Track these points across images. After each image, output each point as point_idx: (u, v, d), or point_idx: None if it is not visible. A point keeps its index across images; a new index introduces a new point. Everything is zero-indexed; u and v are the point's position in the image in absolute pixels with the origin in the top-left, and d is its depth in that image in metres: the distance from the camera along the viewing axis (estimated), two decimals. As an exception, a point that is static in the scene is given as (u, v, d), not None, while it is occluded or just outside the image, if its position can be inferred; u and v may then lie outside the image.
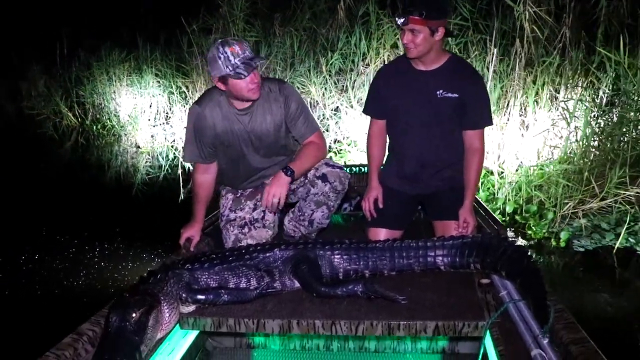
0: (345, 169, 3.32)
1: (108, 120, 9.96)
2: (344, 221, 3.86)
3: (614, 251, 4.70)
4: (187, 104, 8.98)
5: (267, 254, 2.52)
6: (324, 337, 2.85)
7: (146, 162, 8.46)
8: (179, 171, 7.74)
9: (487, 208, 3.52)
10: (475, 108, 3.00)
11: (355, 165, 4.40)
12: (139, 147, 9.13)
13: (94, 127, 10.16)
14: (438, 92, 2.99)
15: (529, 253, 2.30)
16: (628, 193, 5.03)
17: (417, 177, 3.21)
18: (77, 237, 5.32)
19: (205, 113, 3.02)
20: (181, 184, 7.21)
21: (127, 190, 7.12)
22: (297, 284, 2.48)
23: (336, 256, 2.56)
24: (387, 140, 3.39)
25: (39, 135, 10.28)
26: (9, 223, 5.89)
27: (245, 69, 2.74)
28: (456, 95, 2.97)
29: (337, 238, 2.66)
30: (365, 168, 3.71)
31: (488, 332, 2.07)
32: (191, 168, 7.62)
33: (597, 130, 5.57)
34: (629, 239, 4.86)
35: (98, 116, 10.24)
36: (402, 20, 2.80)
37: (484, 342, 2.08)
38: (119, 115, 9.86)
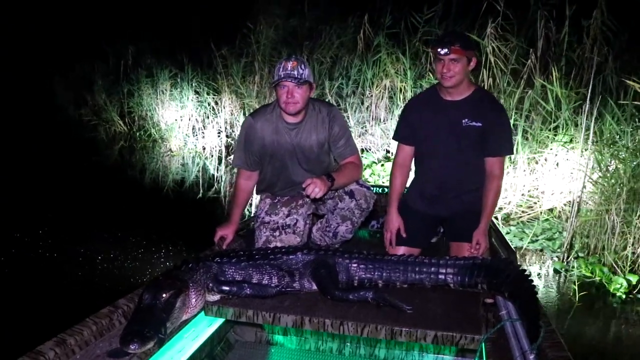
0: (377, 189, 3.49)
1: (151, 128, 11.15)
2: (370, 237, 4.04)
3: (521, 250, 5.49)
4: (216, 117, 10.15)
5: (290, 257, 2.73)
6: (337, 341, 3.03)
7: (180, 164, 9.66)
8: (200, 174, 8.86)
9: (501, 232, 3.65)
10: (497, 136, 3.16)
11: (386, 187, 4.59)
12: (171, 151, 10.37)
13: (138, 134, 11.43)
14: (463, 121, 3.18)
15: (530, 277, 2.44)
16: (553, 206, 6.08)
17: (438, 199, 3.38)
18: (113, 224, 6.08)
19: (257, 125, 3.31)
20: (201, 184, 8.21)
21: (160, 186, 8.24)
22: (314, 286, 2.67)
23: (353, 264, 2.75)
24: (412, 167, 3.58)
25: (91, 138, 11.68)
26: (55, 206, 6.82)
27: (280, 79, 3.06)
28: (479, 124, 3.15)
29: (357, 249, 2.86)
30: None
31: (483, 346, 2.21)
32: (215, 174, 8.81)
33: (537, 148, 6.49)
34: (543, 243, 5.60)
35: (143, 124, 11.41)
36: (445, 50, 3.02)
37: (478, 355, 2.23)
38: (160, 125, 11.04)
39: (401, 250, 3.34)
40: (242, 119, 9.29)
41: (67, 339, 2.03)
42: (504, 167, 3.26)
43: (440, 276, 2.70)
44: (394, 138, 3.65)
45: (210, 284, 2.54)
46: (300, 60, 3.14)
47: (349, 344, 3.04)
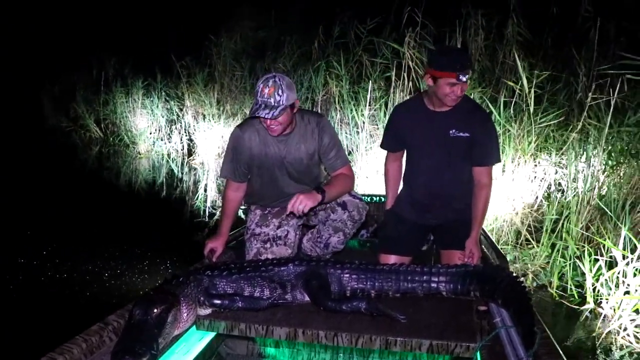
0: (365, 198, 3.46)
1: (123, 134, 12.13)
2: (360, 246, 4.03)
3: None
4: (180, 123, 11.22)
5: (282, 268, 2.71)
6: (330, 352, 3.01)
7: (149, 166, 10.61)
8: (164, 175, 9.75)
9: (492, 240, 3.66)
10: (484, 146, 3.17)
11: (375, 195, 4.59)
12: (140, 153, 11.47)
13: (111, 139, 12.49)
14: (451, 132, 3.18)
15: (523, 284, 2.45)
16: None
17: (427, 207, 3.38)
18: (86, 230, 6.34)
19: (244, 137, 3.27)
20: (166, 184, 9.00)
21: (131, 187, 9.05)
22: (306, 298, 2.65)
23: (345, 275, 2.73)
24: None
25: (69, 143, 12.83)
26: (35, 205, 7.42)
27: (256, 111, 2.95)
28: (467, 134, 3.16)
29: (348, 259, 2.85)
30: (385, 198, 3.90)
31: (478, 354, 2.21)
32: (179, 175, 9.53)
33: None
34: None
35: (116, 130, 12.42)
36: (466, 76, 2.99)
37: None
38: (131, 130, 12.05)
39: (392, 259, 3.33)
40: (202, 124, 10.41)
41: (56, 358, 1.99)
42: (492, 176, 3.27)
43: (432, 284, 2.70)
44: (381, 147, 3.65)
45: (202, 298, 2.51)
46: (278, 84, 2.95)
47: (342, 354, 3.02)
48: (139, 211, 7.35)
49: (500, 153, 3.34)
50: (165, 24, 13.31)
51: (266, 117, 2.94)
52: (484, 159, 3.21)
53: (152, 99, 11.67)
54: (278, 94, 2.94)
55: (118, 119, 12.24)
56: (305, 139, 3.27)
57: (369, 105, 7.01)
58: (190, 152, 10.92)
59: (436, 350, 2.27)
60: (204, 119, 10.38)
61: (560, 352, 2.02)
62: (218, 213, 6.92)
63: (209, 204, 7.54)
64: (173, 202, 7.89)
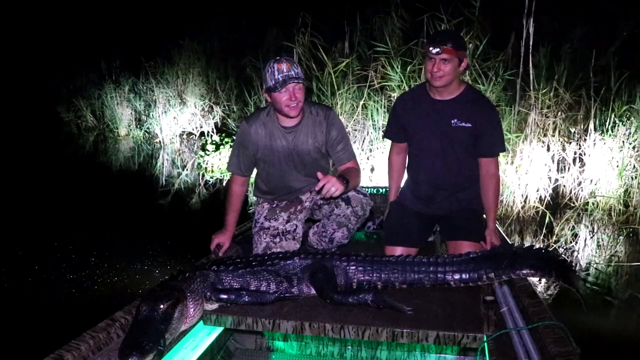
0: (371, 190, 3.43)
1: (109, 121, 14.40)
2: (367, 238, 4.03)
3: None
4: (154, 113, 13.17)
5: (288, 262, 2.71)
6: (338, 345, 3.01)
7: (131, 146, 13.10)
8: (135, 155, 12.13)
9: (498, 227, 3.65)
10: (489, 137, 3.15)
11: (382, 187, 4.57)
12: (119, 135, 14.00)
13: (101, 126, 14.86)
14: (453, 122, 3.15)
15: (536, 246, 2.59)
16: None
17: (432, 198, 3.36)
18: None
19: (251, 131, 3.26)
20: (136, 161, 11.31)
21: (113, 164, 11.29)
22: (313, 291, 2.65)
23: (351, 267, 2.73)
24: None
25: (66, 131, 15.18)
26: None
27: (281, 85, 2.98)
28: (469, 125, 3.13)
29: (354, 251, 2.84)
30: None
31: (485, 344, 2.20)
32: (145, 151, 12.38)
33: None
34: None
35: (107, 120, 14.50)
36: (437, 49, 2.98)
37: (479, 352, 2.21)
38: (115, 118, 14.22)
39: (398, 250, 3.31)
40: (171, 113, 12.62)
41: (64, 355, 2.00)
42: (499, 165, 3.25)
43: (439, 275, 2.68)
44: (385, 137, 3.63)
45: (208, 293, 2.52)
46: (289, 59, 3.05)
47: (350, 347, 3.02)
48: (116, 180, 9.70)
49: (505, 141, 3.31)
50: (142, 28, 15.49)
51: (294, 82, 2.99)
52: (490, 150, 3.19)
53: (135, 93, 13.87)
54: (295, 67, 3.02)
55: (107, 110, 14.39)
56: (313, 131, 3.26)
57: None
58: (154, 135, 13.20)
59: (443, 341, 2.26)
60: (168, 108, 12.74)
61: (572, 341, 2.00)
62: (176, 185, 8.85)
63: (165, 172, 10.02)
64: (139, 173, 10.14)
